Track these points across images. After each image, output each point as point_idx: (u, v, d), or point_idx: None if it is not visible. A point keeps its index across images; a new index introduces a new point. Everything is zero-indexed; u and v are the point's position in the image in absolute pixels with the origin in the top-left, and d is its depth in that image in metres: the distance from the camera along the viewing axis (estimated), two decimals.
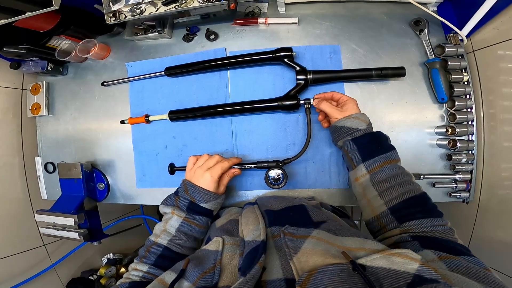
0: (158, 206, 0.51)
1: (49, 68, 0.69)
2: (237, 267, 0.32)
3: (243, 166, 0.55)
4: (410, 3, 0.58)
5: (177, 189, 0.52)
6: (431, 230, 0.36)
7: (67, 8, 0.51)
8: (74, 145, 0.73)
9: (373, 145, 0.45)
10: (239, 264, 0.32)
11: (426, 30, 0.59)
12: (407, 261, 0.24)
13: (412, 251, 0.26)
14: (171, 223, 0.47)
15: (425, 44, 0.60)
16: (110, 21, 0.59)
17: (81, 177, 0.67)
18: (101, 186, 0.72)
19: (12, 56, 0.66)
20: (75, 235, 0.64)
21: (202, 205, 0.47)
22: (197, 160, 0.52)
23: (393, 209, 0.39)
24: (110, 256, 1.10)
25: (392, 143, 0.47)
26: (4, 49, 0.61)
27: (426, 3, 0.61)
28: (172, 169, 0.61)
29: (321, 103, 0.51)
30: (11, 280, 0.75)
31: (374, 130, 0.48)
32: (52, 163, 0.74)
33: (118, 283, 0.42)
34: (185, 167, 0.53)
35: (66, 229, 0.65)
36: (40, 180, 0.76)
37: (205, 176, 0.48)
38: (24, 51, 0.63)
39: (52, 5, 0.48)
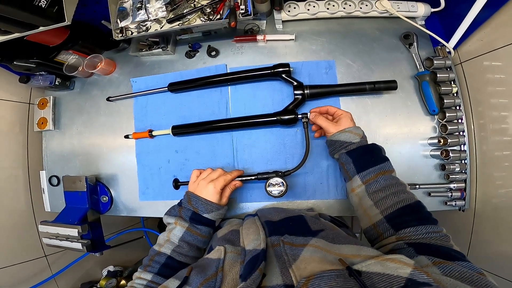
0: (160, 218, 0.53)
1: (56, 83, 0.73)
2: (238, 274, 0.34)
3: (244, 178, 0.58)
4: (399, 18, 0.63)
5: (181, 200, 0.54)
6: (426, 236, 0.37)
7: (76, 23, 0.53)
8: (79, 159, 0.76)
9: (366, 157, 0.48)
10: (240, 271, 0.34)
11: (415, 44, 0.64)
12: (400, 266, 0.26)
13: (405, 256, 0.28)
14: (174, 233, 0.49)
15: (414, 58, 0.64)
16: (117, 37, 0.63)
17: (85, 189, 0.70)
18: (105, 199, 0.74)
19: (21, 70, 0.69)
20: (78, 245, 0.66)
21: (204, 215, 0.50)
22: (200, 173, 0.55)
23: (389, 217, 0.42)
24: (111, 268, 1.11)
25: (387, 155, 0.50)
26: (15, 62, 0.65)
27: (414, 17, 0.66)
28: (177, 184, 0.64)
29: (317, 118, 0.55)
30: None
31: (370, 142, 0.52)
32: (56, 176, 0.77)
33: None
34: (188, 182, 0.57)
35: (69, 239, 0.67)
36: (44, 193, 0.79)
37: (208, 188, 0.51)
38: (34, 65, 0.66)
39: (65, 20, 0.52)
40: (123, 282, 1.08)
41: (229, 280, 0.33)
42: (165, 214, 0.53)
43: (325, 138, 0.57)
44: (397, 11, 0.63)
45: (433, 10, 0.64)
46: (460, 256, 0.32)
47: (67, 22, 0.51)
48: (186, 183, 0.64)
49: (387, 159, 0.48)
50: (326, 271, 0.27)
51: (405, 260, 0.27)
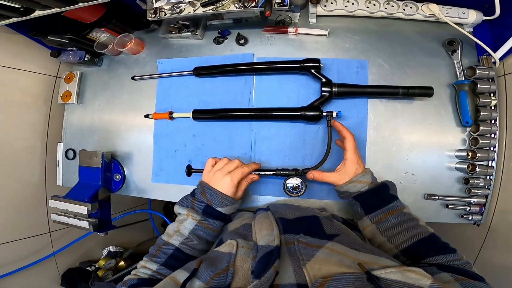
0: (168, 202, 0.54)
1: (85, 59, 0.75)
2: (249, 270, 0.33)
3: (262, 173, 0.58)
4: (446, 23, 0.61)
5: (194, 190, 0.53)
6: (449, 264, 0.38)
7: (113, 2, 0.54)
8: (97, 135, 0.78)
9: (374, 200, 0.49)
10: (251, 267, 0.34)
11: (459, 51, 0.62)
12: (420, 278, 0.27)
13: (424, 271, 0.28)
14: (185, 225, 0.48)
15: (456, 65, 0.62)
16: (151, 17, 0.64)
17: (100, 166, 0.72)
18: (118, 177, 0.76)
19: (54, 44, 0.72)
20: (85, 224, 0.67)
21: (218, 209, 0.49)
22: (216, 162, 0.54)
23: (404, 251, 0.42)
24: (111, 248, 1.14)
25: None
26: (49, 37, 0.67)
27: (462, 24, 0.64)
28: (190, 170, 0.65)
29: (323, 176, 0.54)
30: (9, 265, 0.78)
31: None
32: (73, 150, 0.80)
33: (125, 279, 0.45)
34: (203, 169, 0.56)
35: (77, 217, 0.68)
36: (58, 165, 0.81)
37: (224, 180, 0.50)
38: (67, 41, 0.69)
39: None
40: (121, 263, 1.10)
41: (240, 275, 0.33)
42: (177, 204, 0.53)
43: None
44: (446, 16, 0.61)
45: (485, 18, 0.62)
46: (481, 279, 0.34)
47: None
48: (199, 171, 0.63)
49: (395, 198, 0.48)
50: (345, 273, 0.28)
51: (424, 273, 0.28)
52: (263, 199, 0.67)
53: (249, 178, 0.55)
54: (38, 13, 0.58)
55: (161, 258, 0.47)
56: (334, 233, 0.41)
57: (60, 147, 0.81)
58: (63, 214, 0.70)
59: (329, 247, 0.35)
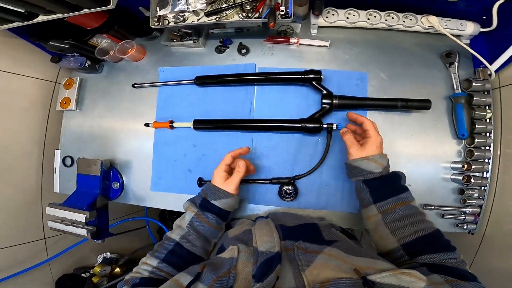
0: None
1: (86, 65, 0.75)
2: (251, 274, 0.35)
3: (256, 182, 0.62)
4: (443, 35, 0.63)
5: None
6: (443, 262, 0.39)
7: (116, 8, 0.55)
8: (96, 142, 0.78)
9: (385, 188, 0.48)
10: (252, 271, 0.35)
11: (456, 63, 0.64)
12: (414, 280, 0.28)
13: (419, 272, 0.30)
14: (185, 218, 0.52)
15: (453, 77, 0.64)
16: (154, 25, 0.65)
17: (99, 174, 0.72)
18: (116, 185, 0.77)
19: (55, 49, 0.72)
20: (83, 231, 0.68)
21: (212, 202, 0.52)
22: None
23: (406, 246, 0.43)
24: (107, 255, 1.14)
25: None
26: (50, 42, 0.67)
27: (460, 35, 0.66)
28: (201, 182, 0.68)
29: (346, 134, 0.54)
30: (3, 272, 0.78)
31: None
32: (71, 157, 0.80)
33: (127, 277, 0.46)
34: None
35: (74, 225, 0.68)
36: (55, 172, 0.81)
37: (215, 172, 0.54)
38: (68, 46, 0.69)
39: (110, 4, 0.54)
40: (117, 270, 1.10)
41: (241, 278, 0.35)
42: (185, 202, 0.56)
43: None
44: (444, 28, 0.63)
45: (482, 29, 0.64)
46: (472, 278, 0.35)
47: (112, 6, 0.53)
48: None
49: (406, 189, 0.48)
50: (341, 278, 0.29)
51: (419, 275, 0.29)
52: (262, 208, 0.68)
53: (240, 168, 0.54)
54: (41, 18, 0.58)
55: (161, 254, 0.48)
56: (332, 239, 0.42)
57: (58, 154, 0.81)
58: (60, 221, 0.70)
59: (327, 252, 0.37)
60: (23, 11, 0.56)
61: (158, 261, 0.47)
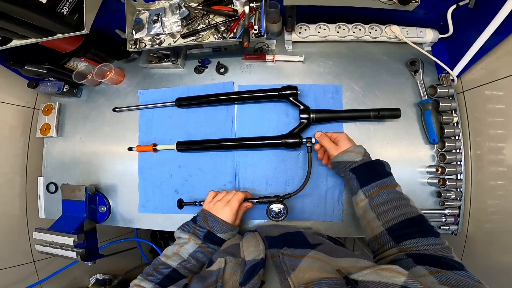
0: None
1: (64, 90, 0.75)
2: (238, 282, 0.36)
3: (251, 201, 0.62)
4: (407, 43, 0.67)
5: (195, 217, 0.59)
6: (427, 248, 0.40)
7: (91, 31, 0.56)
8: (79, 168, 0.79)
9: (369, 172, 0.53)
10: (239, 279, 0.36)
11: (420, 71, 0.68)
12: (395, 275, 0.29)
13: (400, 267, 0.31)
14: (186, 248, 0.53)
15: (419, 85, 0.68)
16: (131, 48, 0.66)
17: (84, 199, 0.72)
18: (103, 209, 0.77)
19: (31, 74, 0.72)
20: (72, 254, 0.68)
21: (219, 235, 0.54)
22: (216, 194, 0.60)
23: (390, 229, 0.45)
24: (99, 276, 1.13)
25: None
26: (26, 67, 0.67)
27: (422, 43, 0.71)
28: (181, 204, 0.69)
29: (323, 138, 0.60)
30: None
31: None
32: (54, 183, 0.80)
33: None
34: (193, 202, 0.66)
35: (63, 247, 0.69)
36: (40, 199, 0.81)
37: (225, 210, 0.56)
38: (45, 71, 0.69)
39: (83, 29, 0.55)
40: None
41: (228, 287, 0.35)
42: (178, 228, 0.57)
43: (327, 166, 0.64)
44: (406, 37, 0.67)
45: (440, 36, 0.68)
46: (458, 266, 0.35)
47: (86, 31, 0.54)
48: (190, 204, 0.68)
49: (389, 174, 0.53)
50: (324, 278, 0.31)
51: (400, 270, 0.30)
52: (251, 223, 0.70)
53: (243, 207, 0.61)
54: (15, 42, 0.59)
55: (157, 278, 0.49)
56: (317, 243, 0.45)
57: (41, 181, 0.81)
58: (48, 245, 0.70)
59: (311, 256, 0.38)
60: None
61: (153, 285, 0.49)
